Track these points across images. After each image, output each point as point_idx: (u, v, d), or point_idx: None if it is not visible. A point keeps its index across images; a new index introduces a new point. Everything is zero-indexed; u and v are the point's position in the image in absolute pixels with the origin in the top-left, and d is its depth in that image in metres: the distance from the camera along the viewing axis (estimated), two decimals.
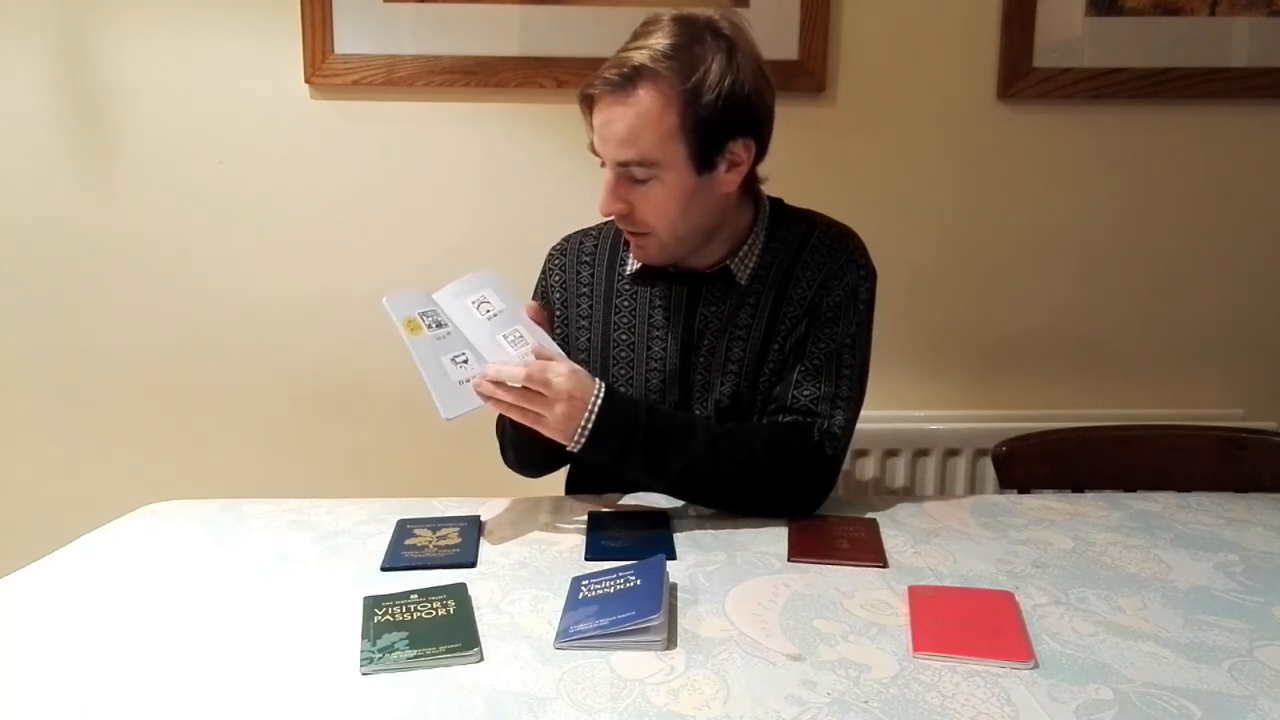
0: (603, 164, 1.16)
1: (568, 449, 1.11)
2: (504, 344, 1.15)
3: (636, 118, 1.10)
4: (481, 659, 0.85)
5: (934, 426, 1.84)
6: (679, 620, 0.91)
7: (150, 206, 1.82)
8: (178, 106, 1.79)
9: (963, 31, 1.77)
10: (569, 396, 1.09)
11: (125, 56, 1.77)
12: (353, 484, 1.90)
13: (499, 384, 1.08)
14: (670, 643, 0.87)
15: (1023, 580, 1.00)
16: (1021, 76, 1.77)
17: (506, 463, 1.32)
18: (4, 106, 1.78)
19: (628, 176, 1.14)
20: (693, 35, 1.11)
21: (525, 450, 1.27)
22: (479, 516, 1.17)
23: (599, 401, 1.10)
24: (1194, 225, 1.85)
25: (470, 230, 1.84)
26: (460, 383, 1.11)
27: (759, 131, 1.17)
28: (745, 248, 1.23)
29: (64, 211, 1.82)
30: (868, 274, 1.24)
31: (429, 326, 1.15)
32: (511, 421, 1.21)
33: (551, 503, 1.23)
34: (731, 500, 1.17)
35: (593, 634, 0.87)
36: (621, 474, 1.15)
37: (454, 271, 1.84)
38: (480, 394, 1.09)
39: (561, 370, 1.09)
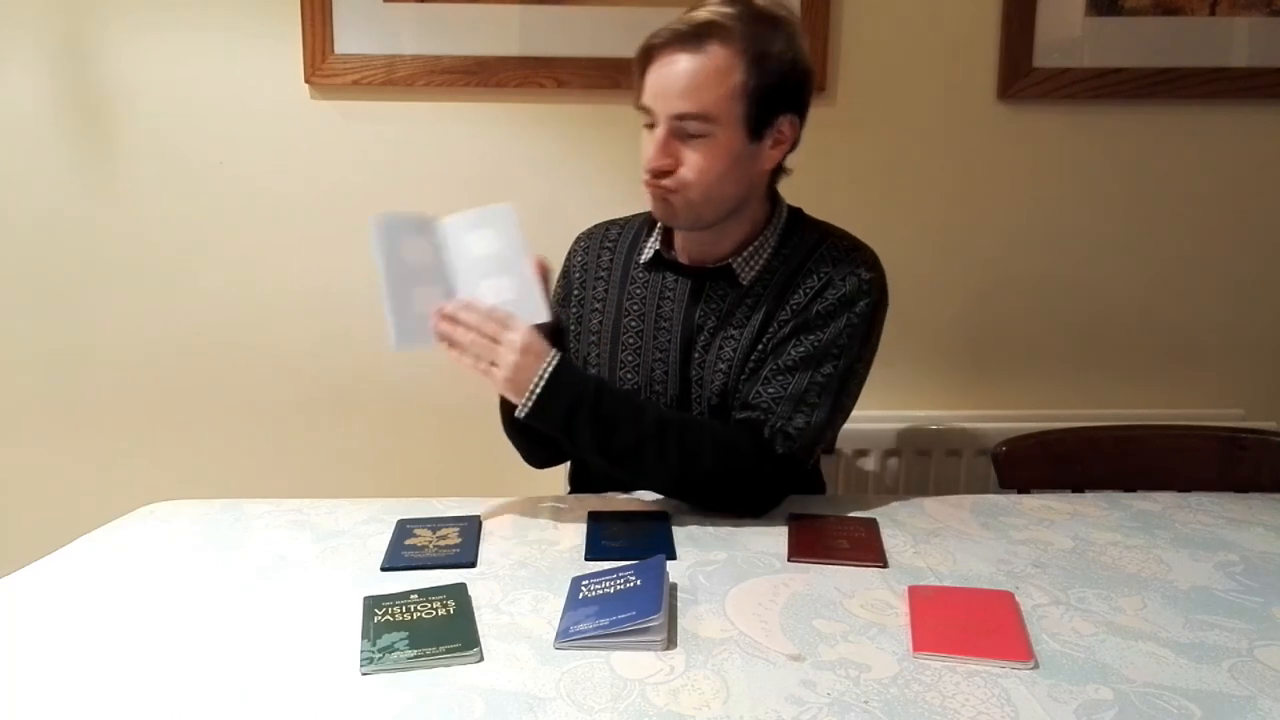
0: (647, 124, 1.16)
1: (516, 412, 1.12)
2: (485, 292, 1.13)
3: (703, 70, 1.11)
4: (481, 659, 0.85)
5: (934, 426, 1.84)
6: (679, 620, 0.91)
7: (150, 206, 1.82)
8: (178, 106, 1.79)
9: (963, 31, 1.77)
10: (523, 350, 1.10)
11: (125, 56, 1.77)
12: (353, 484, 1.90)
13: (455, 321, 1.10)
14: (670, 643, 0.87)
15: (1023, 580, 1.00)
16: (1021, 76, 1.77)
17: (517, 448, 1.34)
18: (4, 106, 1.78)
19: (680, 132, 1.14)
20: (757, 8, 1.14)
21: (521, 439, 1.29)
22: (479, 516, 1.17)
23: (551, 364, 1.11)
24: (1194, 225, 1.85)
25: None
26: (421, 316, 1.11)
27: (803, 114, 1.19)
28: (752, 248, 1.23)
29: (64, 211, 1.82)
30: (871, 289, 1.19)
31: (413, 253, 1.12)
32: (507, 409, 1.20)
33: (551, 503, 1.23)
34: (676, 488, 1.19)
35: (593, 634, 0.87)
36: (566, 445, 1.16)
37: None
38: (438, 331, 1.10)
39: (522, 325, 1.11)
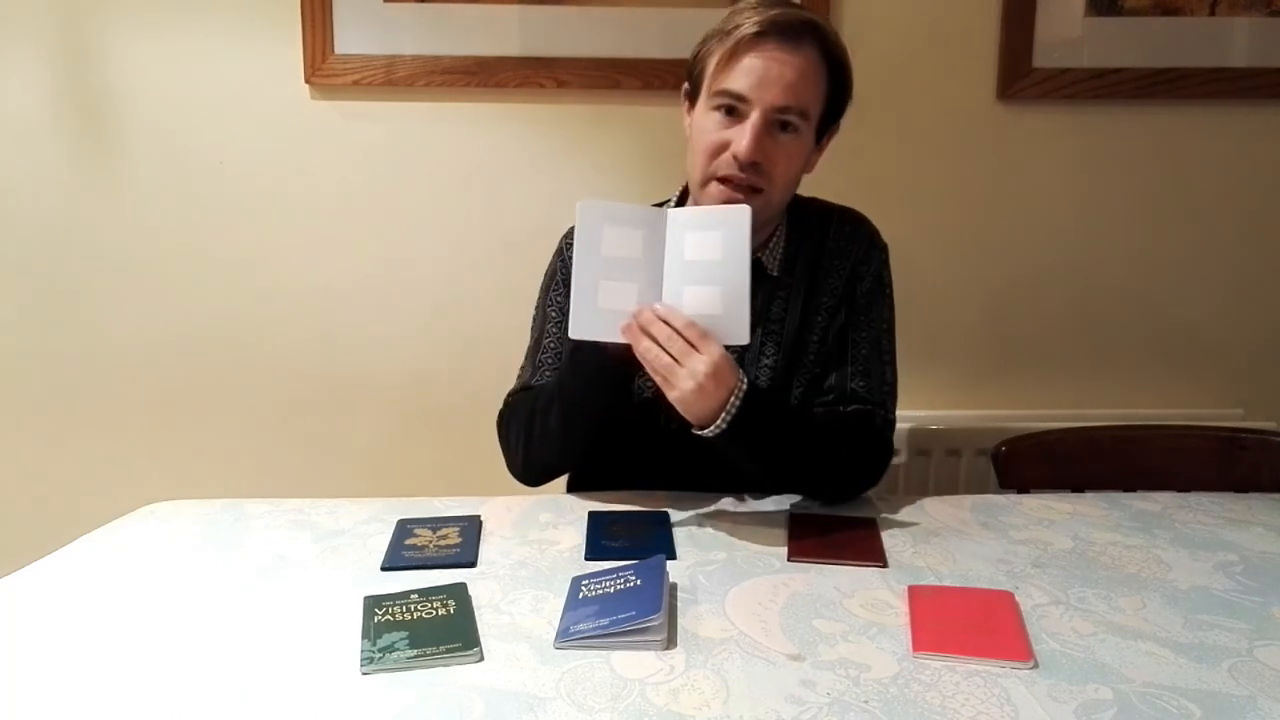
0: (720, 105, 1.15)
1: (699, 429, 1.07)
2: (688, 300, 1.07)
3: (806, 69, 1.14)
4: (481, 659, 0.85)
5: (934, 426, 1.84)
6: (679, 620, 0.91)
7: (150, 206, 1.82)
8: (178, 106, 1.79)
9: (963, 31, 1.77)
10: (709, 376, 1.03)
11: (125, 57, 1.77)
12: (353, 484, 1.90)
13: (644, 331, 1.05)
14: (670, 643, 0.87)
15: (1023, 580, 1.00)
16: (1021, 76, 1.77)
17: (512, 467, 1.30)
18: (4, 107, 1.78)
19: (775, 125, 1.15)
20: (826, 21, 1.18)
21: (574, 422, 1.21)
22: (479, 516, 1.17)
23: (738, 399, 1.06)
24: (1194, 225, 1.85)
25: (470, 230, 1.84)
26: (602, 310, 1.07)
27: (838, 127, 1.24)
28: (774, 240, 1.26)
29: (64, 212, 1.82)
30: (885, 254, 1.29)
31: (613, 245, 1.07)
32: (567, 389, 1.19)
33: (551, 503, 1.23)
34: (816, 488, 1.21)
35: (593, 634, 0.87)
36: (735, 461, 1.12)
37: (454, 270, 1.85)
38: (640, 323, 1.05)
39: (714, 348, 1.05)
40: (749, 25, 1.13)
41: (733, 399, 1.05)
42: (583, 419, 1.21)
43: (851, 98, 1.22)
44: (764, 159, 1.15)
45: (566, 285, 1.31)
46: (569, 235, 1.34)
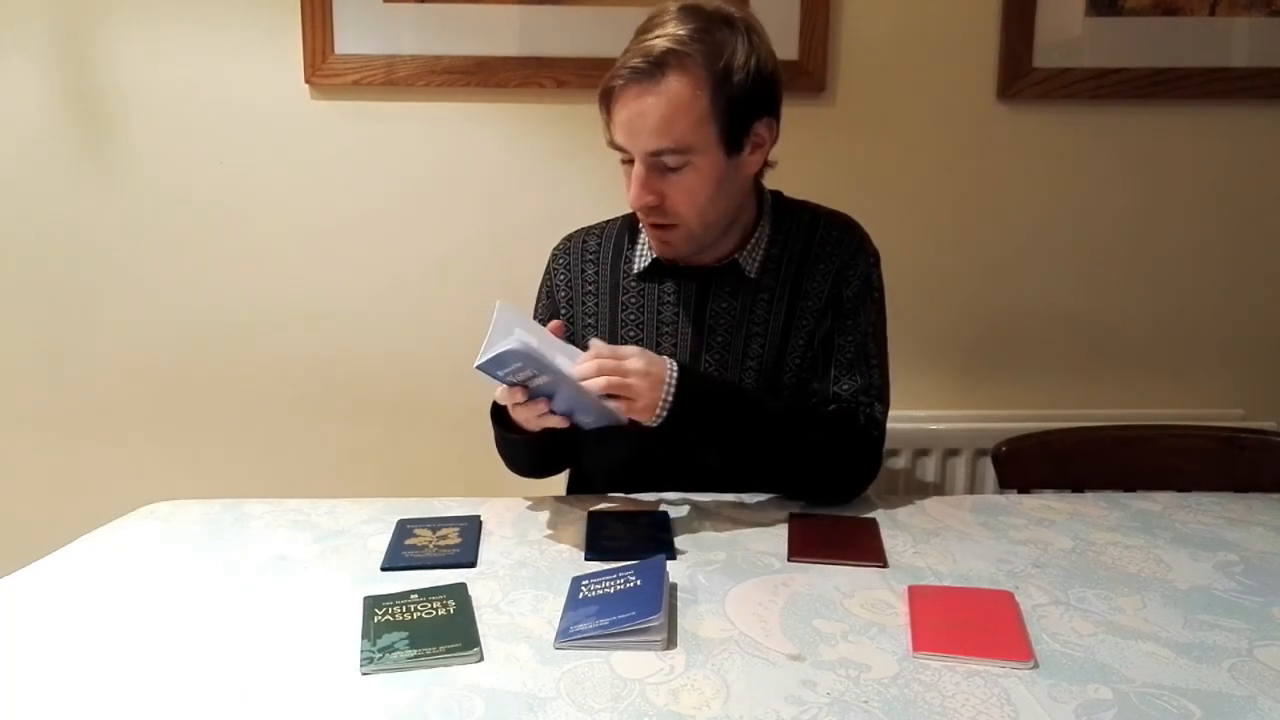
0: (625, 160, 1.16)
1: (649, 423, 1.10)
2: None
3: (669, 104, 1.10)
4: (481, 659, 0.85)
5: (934, 426, 1.84)
6: (679, 620, 0.91)
7: (150, 207, 1.82)
8: (178, 106, 1.79)
9: (963, 31, 1.77)
10: (645, 373, 1.08)
11: (125, 57, 1.77)
12: (353, 484, 1.90)
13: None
14: (670, 643, 0.87)
15: (1023, 580, 1.00)
16: (1021, 76, 1.77)
17: (509, 467, 1.33)
18: (4, 107, 1.78)
19: (659, 166, 1.13)
20: (709, 20, 1.12)
21: (520, 456, 1.29)
22: (479, 516, 1.17)
23: (674, 373, 1.10)
24: (1194, 225, 1.85)
25: (470, 230, 1.84)
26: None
27: (778, 111, 1.19)
28: (753, 241, 1.24)
29: (64, 212, 1.82)
30: (875, 260, 1.27)
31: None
32: (500, 426, 1.21)
33: (551, 503, 1.23)
34: (792, 474, 1.20)
35: (593, 634, 0.87)
36: (698, 446, 1.16)
37: (454, 270, 1.85)
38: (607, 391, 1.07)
39: (629, 350, 1.10)
40: (612, 78, 1.12)
41: (667, 382, 1.09)
42: (517, 454, 1.26)
43: (768, 86, 1.15)
44: (660, 200, 1.15)
45: (551, 298, 1.33)
46: (559, 249, 1.35)
